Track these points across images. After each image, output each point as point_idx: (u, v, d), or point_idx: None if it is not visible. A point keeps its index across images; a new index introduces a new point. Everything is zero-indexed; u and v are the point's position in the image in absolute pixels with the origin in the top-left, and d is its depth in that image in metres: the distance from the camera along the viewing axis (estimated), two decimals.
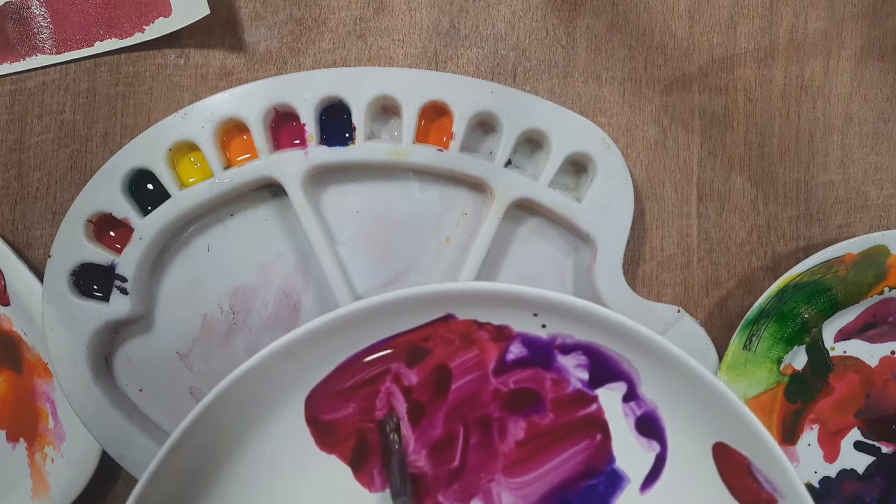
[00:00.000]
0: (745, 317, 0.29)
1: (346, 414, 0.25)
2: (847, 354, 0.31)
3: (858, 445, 0.31)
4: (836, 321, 0.31)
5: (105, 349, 0.30)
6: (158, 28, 0.29)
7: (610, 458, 0.24)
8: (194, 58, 0.30)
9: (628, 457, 0.24)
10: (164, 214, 0.28)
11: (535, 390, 0.24)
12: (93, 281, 0.29)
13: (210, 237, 0.30)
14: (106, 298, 0.28)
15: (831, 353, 0.31)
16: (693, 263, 0.31)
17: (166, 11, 0.29)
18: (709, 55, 0.31)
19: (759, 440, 0.22)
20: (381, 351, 0.24)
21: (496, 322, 0.24)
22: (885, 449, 0.31)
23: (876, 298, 0.30)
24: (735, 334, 0.29)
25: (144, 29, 0.29)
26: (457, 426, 0.24)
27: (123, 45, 0.30)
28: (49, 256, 0.28)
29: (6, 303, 0.30)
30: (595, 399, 0.24)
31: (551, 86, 0.31)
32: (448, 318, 0.24)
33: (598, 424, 0.24)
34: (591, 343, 0.24)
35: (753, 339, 0.30)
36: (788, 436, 0.31)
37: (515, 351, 0.24)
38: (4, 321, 0.31)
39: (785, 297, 0.29)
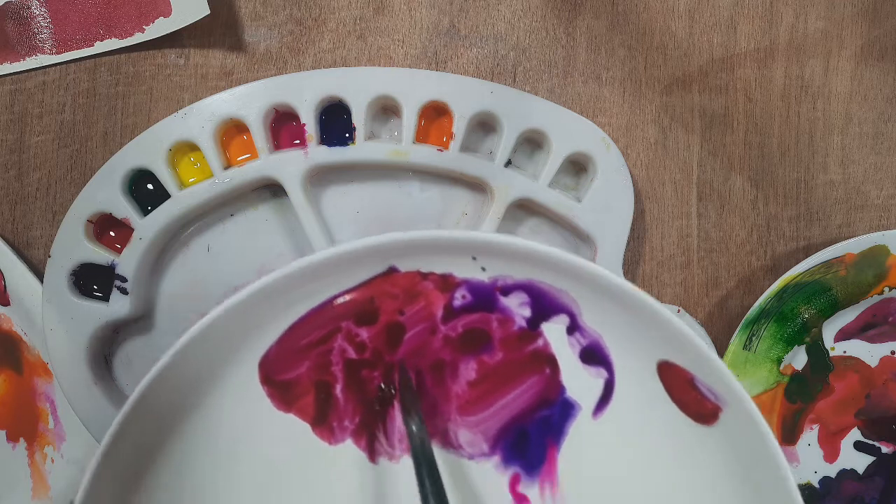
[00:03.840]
0: (745, 317, 0.29)
1: (300, 372, 0.25)
2: (847, 354, 0.31)
3: (858, 445, 0.31)
4: (836, 321, 0.31)
5: (105, 349, 0.30)
6: (158, 28, 0.29)
7: (560, 389, 0.25)
8: (194, 58, 0.30)
9: (578, 385, 0.25)
10: (164, 214, 0.28)
11: (483, 331, 0.25)
12: (93, 281, 0.29)
13: (210, 237, 0.30)
14: (106, 298, 0.28)
15: (831, 353, 0.31)
16: (693, 263, 0.31)
17: (166, 11, 0.29)
18: (709, 55, 0.31)
19: (698, 354, 0.23)
20: (329, 310, 0.25)
21: (439, 271, 0.25)
22: (885, 449, 0.31)
23: (876, 298, 0.30)
24: (735, 334, 0.29)
25: (144, 29, 0.29)
26: (409, 373, 0.25)
27: (123, 45, 0.30)
28: (49, 256, 0.28)
29: (6, 303, 0.30)
30: (540, 334, 0.25)
31: (551, 86, 0.31)
32: (391, 270, 0.25)
33: (546, 358, 0.25)
34: (530, 281, 0.24)
35: (753, 339, 0.30)
36: (788, 436, 0.31)
37: (461, 297, 0.25)
38: (4, 321, 0.31)
39: (785, 297, 0.29)
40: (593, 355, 0.25)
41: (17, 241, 0.31)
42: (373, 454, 0.25)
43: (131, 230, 0.28)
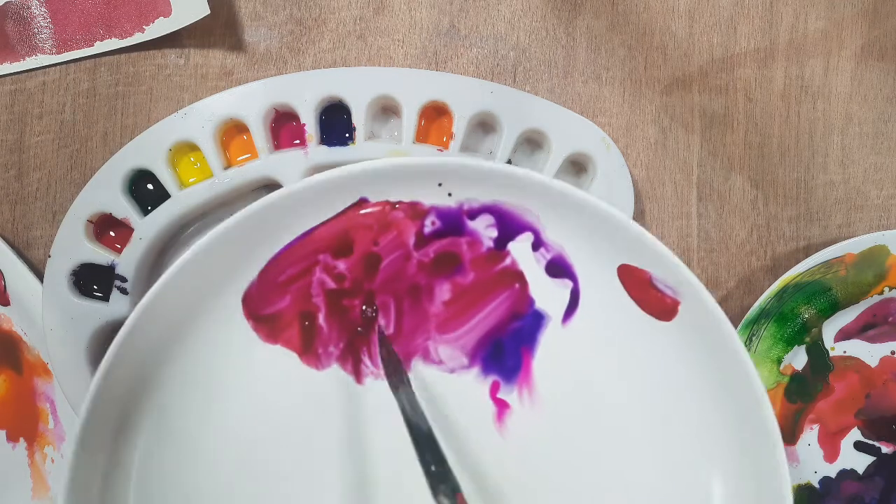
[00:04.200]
0: (745, 317, 0.29)
1: (284, 306, 0.27)
2: (847, 354, 0.31)
3: (858, 445, 0.31)
4: (836, 321, 0.31)
5: (105, 349, 0.29)
6: (158, 28, 0.29)
7: (530, 302, 0.27)
8: (194, 58, 0.30)
9: (546, 297, 0.27)
10: (164, 214, 0.28)
11: (454, 254, 0.27)
12: (93, 281, 0.29)
13: None
14: (106, 298, 0.28)
15: (831, 353, 0.31)
16: (693, 263, 0.31)
17: (166, 11, 0.29)
18: (709, 55, 0.31)
19: (653, 252, 0.24)
20: (305, 243, 0.26)
21: (406, 199, 0.26)
22: (885, 449, 0.31)
23: (876, 298, 0.30)
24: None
25: (144, 29, 0.29)
26: (388, 299, 0.27)
27: (123, 45, 0.30)
28: (49, 256, 0.28)
29: (6, 303, 0.30)
30: (507, 253, 0.27)
31: (551, 86, 0.31)
32: (362, 201, 0.26)
33: (514, 275, 0.27)
34: (495, 202, 0.26)
35: (753, 339, 0.30)
36: (788, 436, 0.31)
37: (430, 224, 0.26)
38: (4, 321, 0.31)
39: (785, 297, 0.29)
40: (558, 268, 0.27)
41: (17, 241, 0.31)
42: (359, 376, 0.27)
43: (131, 230, 0.28)
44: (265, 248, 0.26)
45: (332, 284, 0.27)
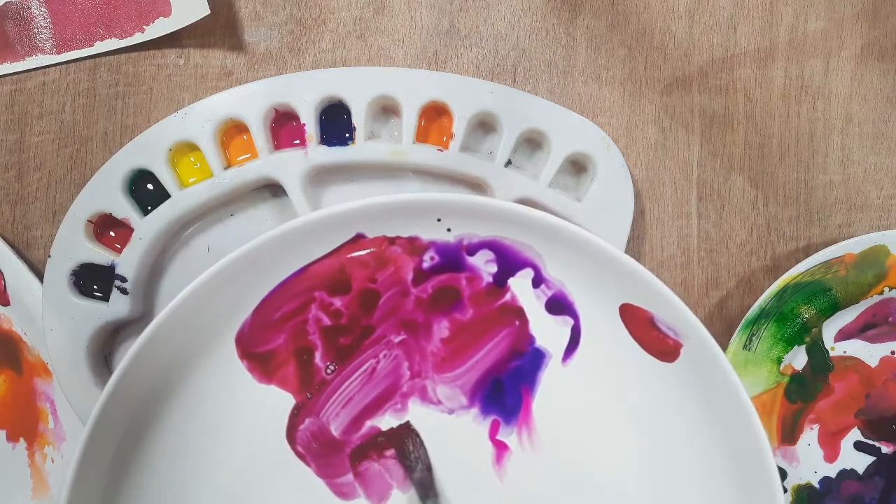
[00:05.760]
0: (745, 317, 0.29)
1: (278, 343, 0.26)
2: (847, 354, 0.31)
3: (858, 445, 0.31)
4: (836, 321, 0.31)
5: (105, 349, 0.30)
6: (158, 28, 0.29)
7: (530, 339, 0.26)
8: (194, 58, 0.30)
9: (547, 334, 0.26)
10: (164, 214, 0.28)
11: (453, 290, 0.26)
12: (93, 281, 0.29)
13: (210, 237, 0.30)
14: (106, 298, 0.28)
15: (831, 353, 0.31)
16: (693, 263, 0.31)
17: (166, 11, 0.29)
18: (709, 55, 0.31)
19: (655, 293, 0.24)
20: (300, 280, 0.26)
21: (405, 234, 0.26)
22: (885, 449, 0.31)
23: (876, 298, 0.30)
24: (735, 334, 0.29)
25: (144, 29, 0.29)
26: (388, 334, 0.26)
27: (123, 45, 0.30)
28: (49, 256, 0.28)
29: (6, 303, 0.30)
30: (507, 289, 0.26)
31: (551, 86, 0.31)
32: (358, 238, 0.26)
33: (514, 311, 0.26)
34: (495, 238, 0.26)
35: (753, 339, 0.30)
36: (788, 436, 0.31)
37: (429, 259, 0.26)
38: (4, 321, 0.31)
39: (785, 297, 0.29)
40: (559, 305, 0.26)
41: (17, 241, 0.31)
42: None
43: (131, 230, 0.28)
44: (259, 287, 0.26)
45: (328, 321, 0.26)
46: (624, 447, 0.26)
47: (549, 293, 0.26)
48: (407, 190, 0.30)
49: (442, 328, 0.26)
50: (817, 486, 0.31)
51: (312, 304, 0.26)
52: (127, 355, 0.24)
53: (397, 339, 0.26)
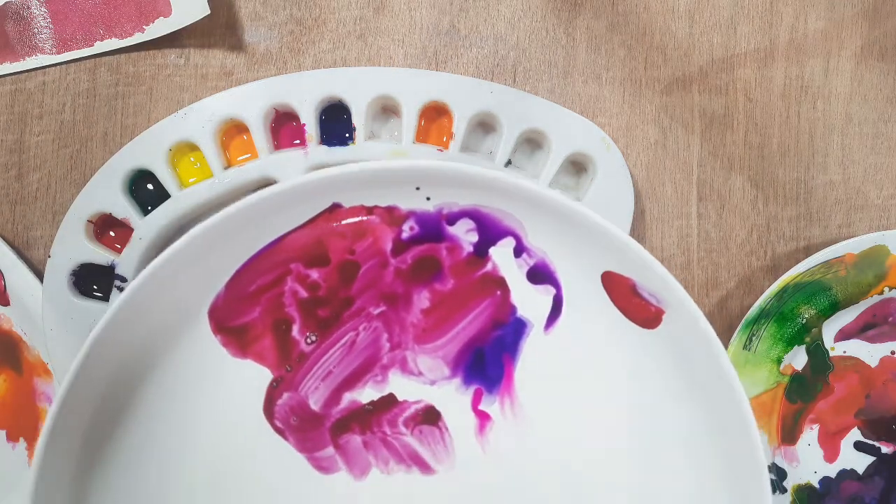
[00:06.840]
0: (745, 317, 0.29)
1: (253, 317, 0.26)
2: (847, 354, 0.31)
3: (858, 445, 0.31)
4: (836, 321, 0.31)
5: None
6: (158, 28, 0.29)
7: (512, 309, 0.26)
8: (194, 58, 0.30)
9: (528, 304, 0.26)
10: (164, 214, 0.28)
11: (433, 260, 0.26)
12: (93, 281, 0.29)
13: None
14: (106, 298, 0.28)
15: (831, 353, 0.31)
16: (693, 263, 0.31)
17: (166, 11, 0.29)
18: (709, 55, 0.31)
19: (637, 259, 0.24)
20: (275, 251, 0.25)
21: (383, 204, 0.25)
22: (885, 449, 0.31)
23: (876, 298, 0.30)
24: (735, 334, 0.29)
25: (144, 29, 0.29)
26: (367, 306, 0.26)
27: (123, 45, 0.30)
28: (49, 256, 0.28)
29: (6, 303, 0.30)
30: (489, 259, 0.26)
31: (551, 86, 0.31)
32: (335, 207, 0.25)
33: (496, 281, 0.26)
34: (475, 207, 0.25)
35: (753, 339, 0.30)
36: (788, 436, 0.31)
37: (408, 230, 0.26)
38: (4, 321, 0.31)
39: (785, 297, 0.29)
40: (540, 274, 0.26)
41: (17, 241, 0.31)
42: None
43: (131, 230, 0.28)
44: (232, 258, 0.25)
45: (305, 294, 0.26)
46: (607, 415, 0.26)
47: (531, 262, 0.26)
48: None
49: (422, 299, 0.26)
50: (817, 486, 0.31)
51: (288, 277, 0.25)
52: (93, 332, 0.23)
53: (377, 311, 0.26)
